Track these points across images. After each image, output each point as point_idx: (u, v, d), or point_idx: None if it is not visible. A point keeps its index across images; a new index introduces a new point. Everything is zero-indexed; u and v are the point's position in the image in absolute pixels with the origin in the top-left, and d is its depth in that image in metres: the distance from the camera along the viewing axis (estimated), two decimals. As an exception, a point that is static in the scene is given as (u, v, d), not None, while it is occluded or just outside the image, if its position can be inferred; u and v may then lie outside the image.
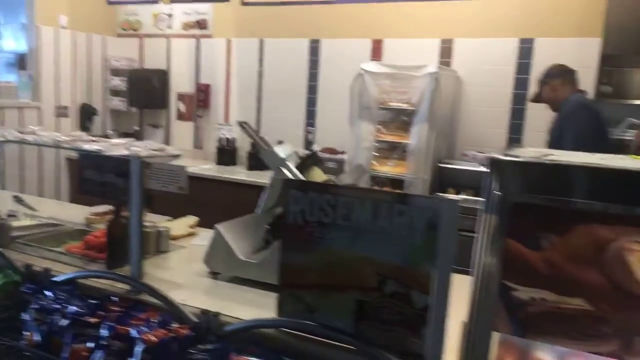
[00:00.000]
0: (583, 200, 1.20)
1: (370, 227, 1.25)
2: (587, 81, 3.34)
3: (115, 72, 5.23)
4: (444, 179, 3.69)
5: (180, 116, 5.06)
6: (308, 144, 4.48)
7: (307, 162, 2.04)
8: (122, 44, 5.30)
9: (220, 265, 1.80)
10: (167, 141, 5.19)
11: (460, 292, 1.25)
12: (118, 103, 5.24)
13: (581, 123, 3.01)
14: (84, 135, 1.82)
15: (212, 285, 1.77)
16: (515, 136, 3.78)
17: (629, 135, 3.16)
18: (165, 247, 2.07)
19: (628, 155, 1.51)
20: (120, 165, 1.53)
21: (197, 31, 4.92)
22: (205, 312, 1.45)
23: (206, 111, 4.96)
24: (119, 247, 1.71)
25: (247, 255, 1.78)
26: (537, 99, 3.32)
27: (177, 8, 4.99)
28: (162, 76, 5.04)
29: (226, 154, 4.68)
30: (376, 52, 4.19)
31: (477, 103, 3.92)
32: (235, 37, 4.77)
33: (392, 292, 1.25)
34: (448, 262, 1.20)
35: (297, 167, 2.00)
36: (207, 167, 4.45)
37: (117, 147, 1.62)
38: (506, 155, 1.29)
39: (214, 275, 1.82)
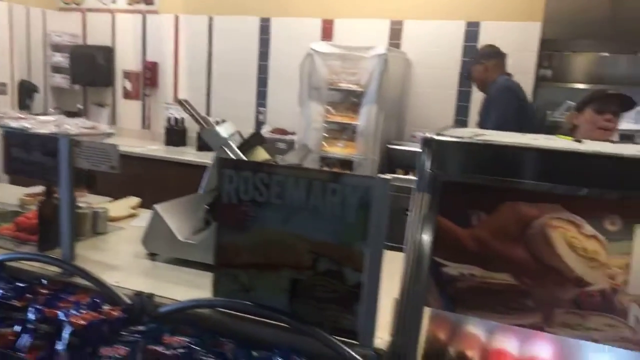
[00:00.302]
0: (510, 178, 1.24)
1: (304, 205, 1.25)
2: (528, 65, 3.43)
3: (57, 48, 5.00)
4: (393, 160, 3.73)
5: (127, 95, 4.90)
6: (259, 124, 4.44)
7: (250, 141, 2.01)
8: (63, 19, 5.05)
9: (159, 246, 1.76)
10: (113, 120, 5.03)
11: (397, 269, 1.27)
12: (60, 80, 5.02)
13: (503, 106, 3.06)
14: (11, 112, 1.73)
15: (150, 266, 1.74)
16: (461, 118, 3.85)
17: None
18: (102, 228, 2.01)
19: (557, 135, 1.56)
20: (48, 143, 1.46)
21: (142, 6, 4.74)
22: (138, 294, 1.42)
23: (154, 90, 4.82)
24: (51, 228, 1.64)
25: (187, 236, 1.75)
26: (469, 77, 3.38)
27: (122, -19, 4.80)
28: (107, 53, 4.86)
29: (175, 134, 4.57)
30: (327, 32, 4.16)
31: (425, 85, 3.97)
32: (183, 13, 4.63)
33: (326, 270, 1.25)
34: (380, 240, 1.21)
35: (240, 147, 1.97)
36: (154, 148, 4.34)
37: (46, 124, 1.55)
38: (439, 134, 1.31)
39: (153, 256, 1.78)
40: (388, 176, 1.27)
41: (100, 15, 4.93)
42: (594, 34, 3.16)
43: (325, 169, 3.62)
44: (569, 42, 3.26)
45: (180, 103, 1.99)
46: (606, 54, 3.27)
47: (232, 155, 1.93)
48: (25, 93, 4.70)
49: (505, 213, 1.22)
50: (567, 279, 1.17)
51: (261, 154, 2.04)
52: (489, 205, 1.23)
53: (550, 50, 3.33)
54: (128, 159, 4.23)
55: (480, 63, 3.25)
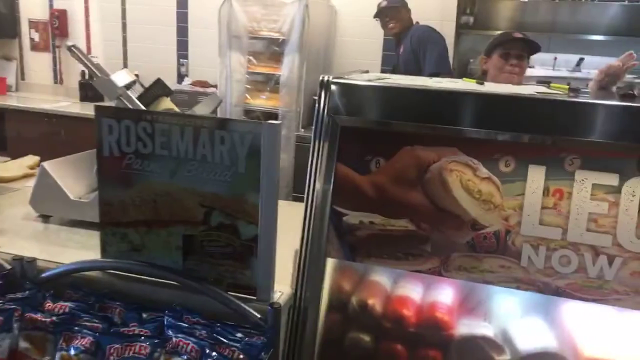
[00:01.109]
0: (409, 122, 1.19)
1: (192, 156, 1.16)
2: (449, 12, 3.39)
3: (-50, -5, 4.50)
4: (319, 112, 3.64)
5: (35, 46, 4.50)
6: (180, 77, 4.21)
7: (152, 91, 1.87)
8: (-45, -39, 4.53)
9: (49, 207, 1.62)
10: (22, 75, 4.64)
11: (299, 221, 1.22)
12: (-43, 31, 4.54)
13: (438, 45, 3.13)
14: None
15: (41, 229, 1.60)
16: (388, 68, 3.80)
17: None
18: (-10, 190, 1.84)
19: (463, 79, 1.53)
20: None
21: (45, -53, 4.32)
22: (18, 258, 1.30)
23: (64, 40, 4.45)
24: None
25: (81, 195, 1.62)
26: (388, 25, 3.36)
27: None
28: (9, 0, 4.41)
29: (91, 88, 4.25)
30: (249, -24, 3.94)
31: (351, 34, 3.86)
32: (90, -46, 4.25)
33: (219, 224, 1.18)
34: (272, 189, 1.14)
35: (142, 98, 1.83)
36: (67, 104, 4.04)
37: None
38: (336, 77, 1.24)
39: (46, 218, 1.65)
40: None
41: (-2, -43, 4.45)
42: (513, -22, 3.15)
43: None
44: (490, -15, 3.23)
45: (69, 49, 1.81)
46: (526, 0, 3.27)
47: (130, 107, 1.79)
48: None
49: (403, 158, 1.18)
50: (463, 223, 1.15)
51: (166, 106, 1.91)
52: (388, 150, 1.19)
53: (471, -4, 3.30)
54: (38, 116, 3.96)
55: (399, 11, 3.26)
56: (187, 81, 4.02)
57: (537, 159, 1.11)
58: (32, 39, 4.52)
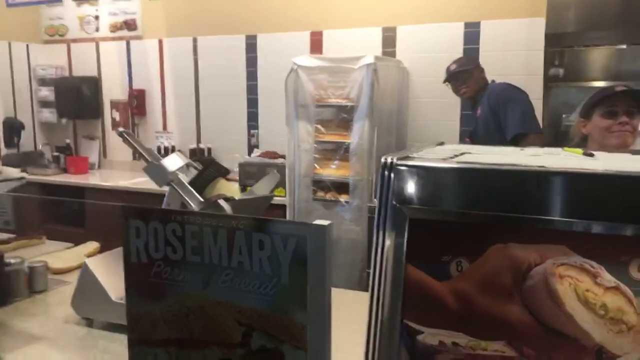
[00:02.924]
0: (498, 212, 0.93)
1: (226, 263, 0.96)
2: (536, 64, 3.09)
3: (43, 82, 4.82)
4: (395, 179, 3.40)
5: (116, 125, 4.69)
6: (251, 148, 4.16)
7: (206, 173, 1.74)
8: (48, 51, 4.88)
9: (91, 309, 1.48)
10: (104, 153, 4.82)
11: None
12: (48, 115, 4.83)
13: (522, 101, 2.87)
14: None
15: (80, 336, 1.45)
16: (467, 128, 3.51)
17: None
18: (42, 285, 1.74)
19: (563, 148, 1.24)
20: None
21: (125, 33, 4.54)
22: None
23: (143, 119, 4.61)
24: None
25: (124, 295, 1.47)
26: (463, 89, 3.13)
27: (103, 8, 4.59)
28: (93, 83, 4.67)
29: (166, 163, 4.32)
30: (316, 45, 3.89)
31: (425, 94, 3.65)
32: (166, 37, 4.41)
33: (260, 347, 0.95)
34: (323, 307, 0.90)
35: (195, 182, 1.70)
36: (141, 180, 4.08)
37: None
38: (402, 158, 1.00)
39: (89, 321, 1.50)
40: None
41: (84, 46, 4.75)
42: (606, 24, 2.80)
43: (320, 194, 3.31)
44: (579, 36, 2.90)
45: (120, 135, 1.73)
46: (623, 47, 2.89)
47: (182, 194, 1.65)
48: (11, 131, 4.52)
49: (494, 259, 0.90)
50: (584, 349, 0.84)
51: (225, 187, 1.76)
52: (473, 249, 0.92)
53: (559, 47, 2.97)
54: (114, 193, 4.03)
55: (472, 73, 3.09)
56: (256, 152, 3.95)
57: (686, 260, 0.79)
58: (113, 119, 4.71)
